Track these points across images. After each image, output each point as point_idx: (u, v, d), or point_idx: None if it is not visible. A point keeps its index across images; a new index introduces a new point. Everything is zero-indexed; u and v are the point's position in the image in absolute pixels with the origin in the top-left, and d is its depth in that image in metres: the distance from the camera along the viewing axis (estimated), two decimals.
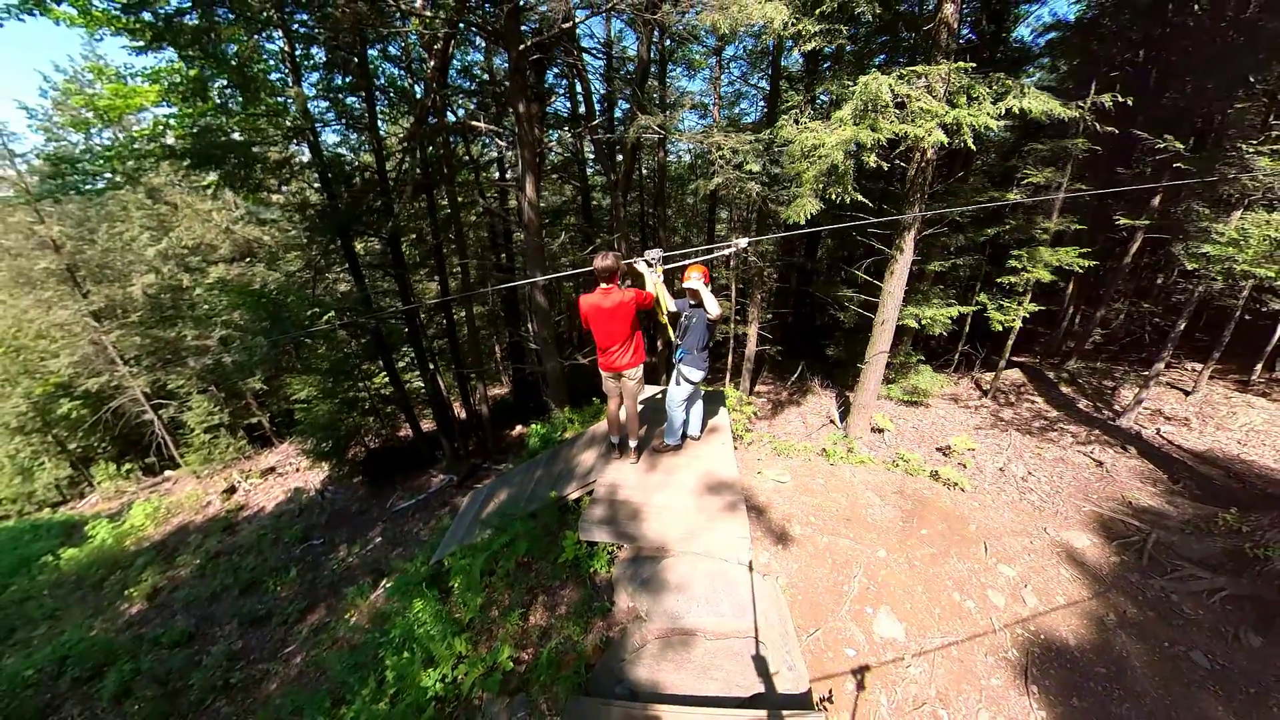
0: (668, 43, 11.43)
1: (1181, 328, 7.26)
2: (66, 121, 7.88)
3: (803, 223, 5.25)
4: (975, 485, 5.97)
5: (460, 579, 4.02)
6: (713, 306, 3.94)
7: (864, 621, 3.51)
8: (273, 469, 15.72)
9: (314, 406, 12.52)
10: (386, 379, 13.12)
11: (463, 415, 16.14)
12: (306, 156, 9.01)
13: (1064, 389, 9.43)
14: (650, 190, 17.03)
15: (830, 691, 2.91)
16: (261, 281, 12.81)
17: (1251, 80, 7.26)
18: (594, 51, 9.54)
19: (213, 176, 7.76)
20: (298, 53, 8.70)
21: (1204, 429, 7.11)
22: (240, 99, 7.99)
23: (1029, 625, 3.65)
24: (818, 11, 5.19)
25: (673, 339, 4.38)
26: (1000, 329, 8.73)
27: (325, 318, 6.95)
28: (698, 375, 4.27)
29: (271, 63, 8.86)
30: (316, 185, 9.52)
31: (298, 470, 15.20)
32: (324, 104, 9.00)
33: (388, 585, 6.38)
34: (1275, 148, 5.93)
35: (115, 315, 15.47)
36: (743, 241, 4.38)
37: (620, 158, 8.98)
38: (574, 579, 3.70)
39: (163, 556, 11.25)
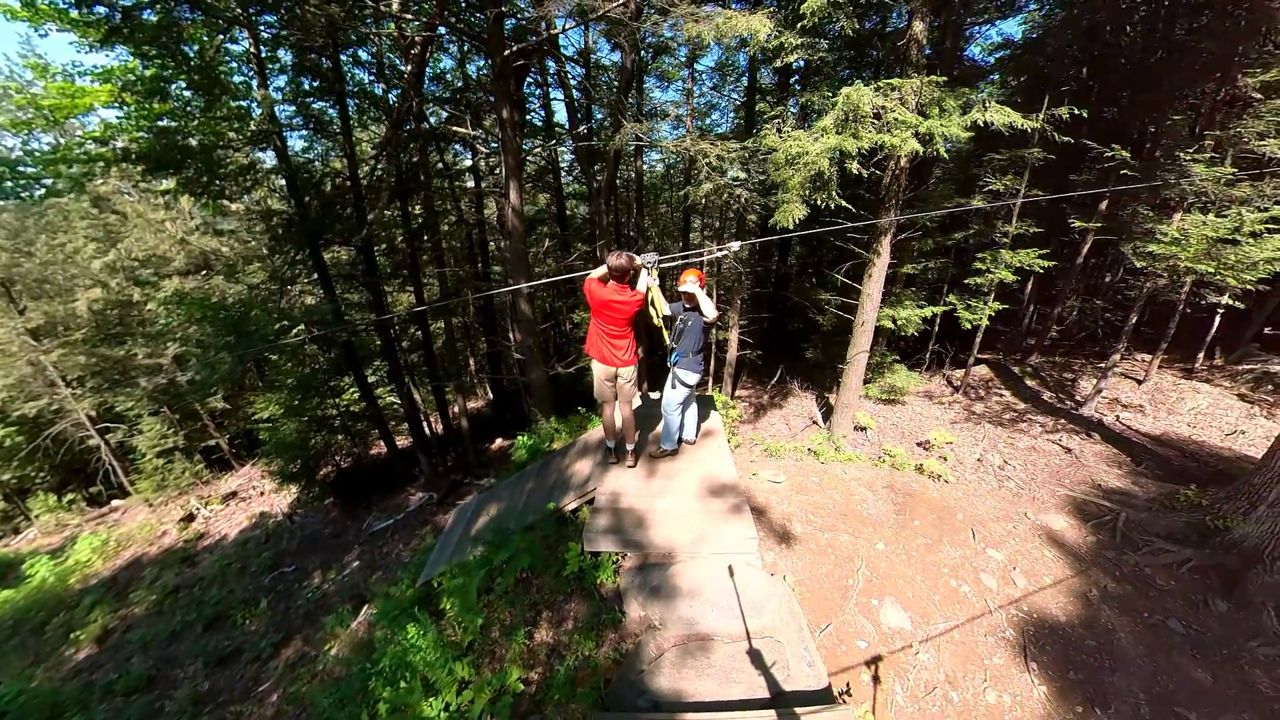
0: (644, 55, 11.65)
1: (1134, 321, 7.79)
2: (5, 122, 7.35)
3: (791, 227, 5.41)
4: (957, 476, 6.22)
5: (455, 599, 3.88)
6: (709, 309, 4.00)
7: (871, 613, 3.59)
8: (234, 494, 14.89)
9: (279, 426, 11.95)
10: (358, 395, 12.67)
11: (440, 430, 15.72)
12: (272, 162, 8.69)
13: (1028, 382, 9.94)
14: (625, 200, 17.18)
15: (848, 685, 2.96)
16: (221, 294, 12.22)
17: (1180, 95, 7.93)
18: (574, 59, 9.60)
19: (170, 183, 7.37)
20: (264, 55, 8.42)
21: (1157, 414, 7.62)
22: (201, 101, 7.66)
23: (1021, 605, 3.81)
24: (799, 25, 5.39)
25: (668, 343, 4.41)
26: (969, 327, 9.17)
27: (293, 331, 6.65)
28: (694, 378, 4.31)
29: (236, 65, 8.56)
30: (283, 192, 9.18)
31: (262, 494, 14.45)
32: (291, 109, 8.72)
33: (372, 612, 6.11)
34: (1210, 155, 6.48)
35: (56, 333, 14.42)
36: (735, 245, 4.46)
37: (600, 166, 9.03)
38: (579, 592, 3.62)
39: (113, 594, 10.44)
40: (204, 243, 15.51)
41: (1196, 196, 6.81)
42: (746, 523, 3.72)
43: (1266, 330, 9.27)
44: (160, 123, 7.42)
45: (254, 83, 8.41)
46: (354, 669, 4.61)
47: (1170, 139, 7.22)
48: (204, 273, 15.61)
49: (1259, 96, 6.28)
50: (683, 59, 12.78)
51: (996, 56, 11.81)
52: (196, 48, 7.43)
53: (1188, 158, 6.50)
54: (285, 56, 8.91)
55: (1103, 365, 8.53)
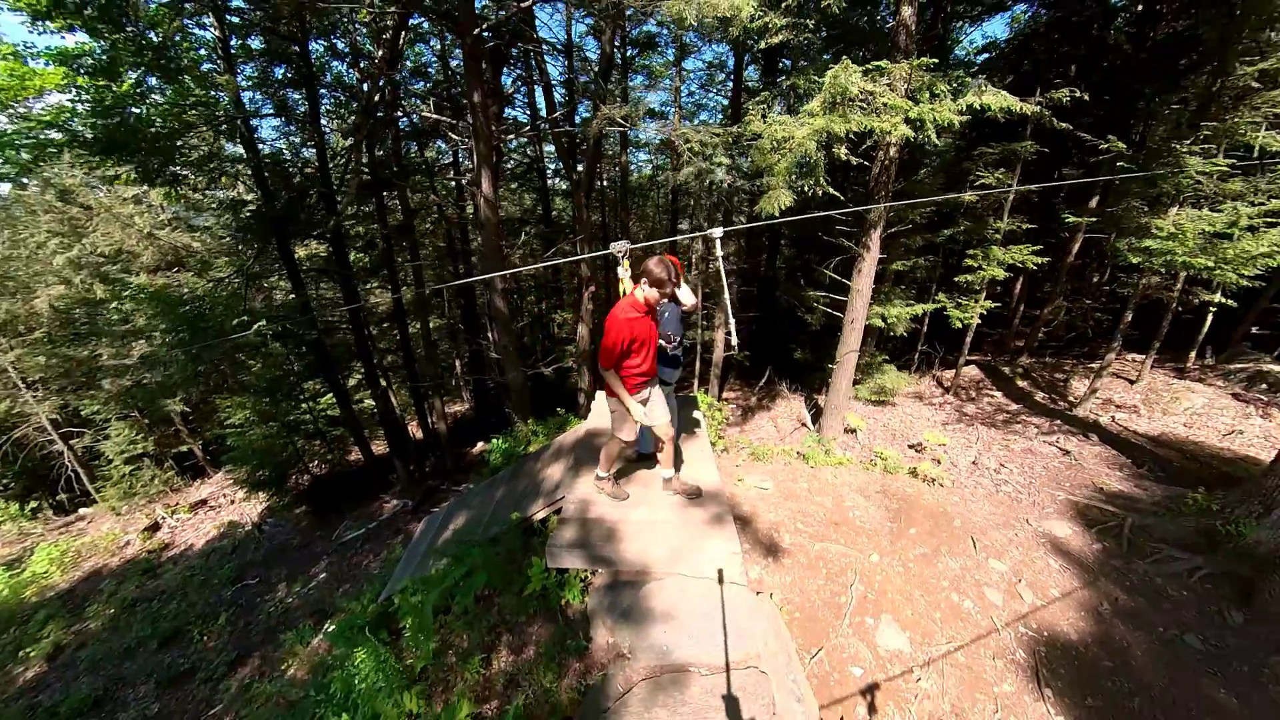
0: (629, 51, 11.37)
1: (1128, 318, 7.61)
2: None
3: (776, 214, 5.12)
4: (953, 480, 5.94)
5: (411, 619, 3.49)
6: (687, 296, 3.65)
7: (866, 634, 3.26)
8: (204, 502, 14.28)
9: (248, 431, 11.42)
10: (333, 399, 12.17)
11: (419, 435, 15.23)
12: (240, 151, 8.26)
13: (1020, 383, 9.74)
14: (611, 199, 16.87)
15: (842, 719, 2.63)
16: (189, 290, 11.67)
17: (1175, 86, 7.81)
18: (555, 46, 9.27)
19: (124, 170, 6.93)
20: (232, 41, 8.01)
21: (1152, 414, 7.43)
22: (162, 86, 7.24)
23: (1030, 622, 3.51)
24: (783, 5, 5.12)
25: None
26: (959, 326, 8.95)
27: (255, 327, 6.23)
28: (673, 374, 3.97)
29: (202, 51, 8.14)
30: (250, 182, 8.75)
31: (233, 502, 13.85)
32: (260, 96, 8.30)
33: (330, 629, 5.68)
34: (1205, 147, 6.30)
35: (16, 332, 13.75)
36: (718, 231, 4.14)
37: (583, 158, 8.70)
38: (543, 613, 3.25)
39: (69, 608, 9.84)
40: (175, 238, 14.91)
41: (1192, 190, 6.64)
42: (730, 535, 3.37)
43: (1255, 329, 9.16)
44: (116, 107, 6.99)
45: (220, 69, 8.00)
46: (306, 694, 4.20)
47: (1166, 130, 7.04)
48: (175, 269, 15.00)
49: (1257, 85, 6.12)
50: (671, 58, 12.57)
51: (983, 59, 11.74)
52: (155, 29, 7.04)
53: (1182, 149, 6.32)
54: (255, 43, 8.53)
55: (1095, 365, 8.34)
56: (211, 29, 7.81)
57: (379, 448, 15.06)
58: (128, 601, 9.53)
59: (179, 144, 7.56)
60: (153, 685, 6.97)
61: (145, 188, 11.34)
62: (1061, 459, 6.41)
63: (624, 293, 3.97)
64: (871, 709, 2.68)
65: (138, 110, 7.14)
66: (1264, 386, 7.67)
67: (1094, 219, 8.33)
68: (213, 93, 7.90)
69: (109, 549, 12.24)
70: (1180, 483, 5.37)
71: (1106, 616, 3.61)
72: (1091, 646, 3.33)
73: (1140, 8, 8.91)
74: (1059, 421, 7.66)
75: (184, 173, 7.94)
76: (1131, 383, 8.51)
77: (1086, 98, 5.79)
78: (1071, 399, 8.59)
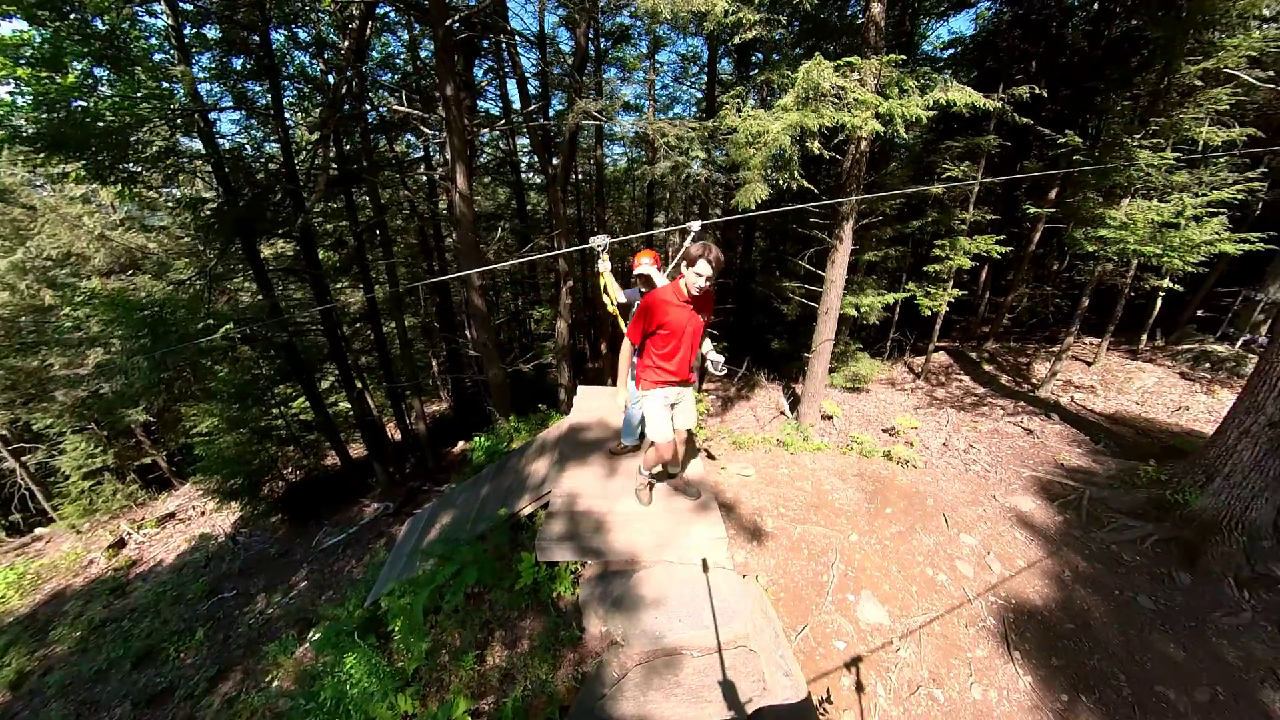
0: (603, 43, 11.29)
1: (1085, 304, 8.00)
2: None
3: (753, 207, 5.21)
4: (925, 461, 6.18)
5: (400, 621, 3.47)
6: None
7: (848, 610, 3.41)
8: (172, 515, 13.76)
9: (217, 439, 11.03)
10: (306, 402, 11.84)
11: (398, 436, 14.96)
12: (199, 146, 7.93)
13: (986, 368, 10.14)
14: (587, 193, 16.79)
15: (828, 691, 2.75)
16: (147, 294, 11.18)
17: (1127, 83, 8.21)
18: (528, 38, 9.14)
19: (72, 167, 6.59)
20: (187, 30, 7.67)
21: (1108, 394, 7.85)
22: (112, 77, 6.90)
23: (999, 591, 3.72)
24: (756, 1, 5.19)
25: (624, 331, 4.11)
26: (929, 314, 9.26)
27: (222, 330, 6.02)
28: None
29: (154, 41, 7.76)
30: (210, 178, 8.41)
31: (204, 514, 13.39)
32: (219, 88, 7.97)
33: (314, 637, 5.59)
34: (1154, 142, 6.66)
35: None
36: (695, 224, 4.21)
37: (558, 152, 8.63)
38: (535, 607, 3.29)
39: (32, 633, 9.40)
40: (129, 239, 14.21)
41: (1142, 182, 7.01)
42: (715, 521, 3.47)
43: (1200, 312, 9.74)
44: (62, 100, 6.62)
45: (175, 59, 7.65)
46: (294, 704, 4.14)
47: (1119, 125, 7.42)
48: (131, 272, 14.31)
49: (1201, 84, 6.49)
50: (644, 50, 12.54)
51: (949, 54, 12.10)
52: (102, 16, 6.69)
53: (1134, 143, 6.66)
54: (212, 32, 8.17)
55: (1056, 349, 8.75)
56: (164, 16, 7.45)
57: (357, 451, 14.75)
58: (95, 622, 9.15)
59: (132, 139, 7.21)
60: (129, 707, 6.73)
61: (95, 186, 10.77)
62: (1025, 438, 6.73)
63: (603, 287, 4.01)
64: (856, 680, 2.82)
65: (85, 103, 6.79)
66: (1208, 365, 8.18)
67: (1053, 210, 8.71)
68: (167, 85, 7.56)
69: (71, 569, 11.70)
70: (1133, 457, 5.71)
71: (1068, 583, 3.85)
72: (1055, 611, 3.55)
73: (1095, 7, 9.31)
74: (1023, 403, 8.02)
75: (138, 170, 7.58)
76: (1089, 364, 8.96)
77: (1045, 94, 6.05)
78: (1034, 381, 9.00)
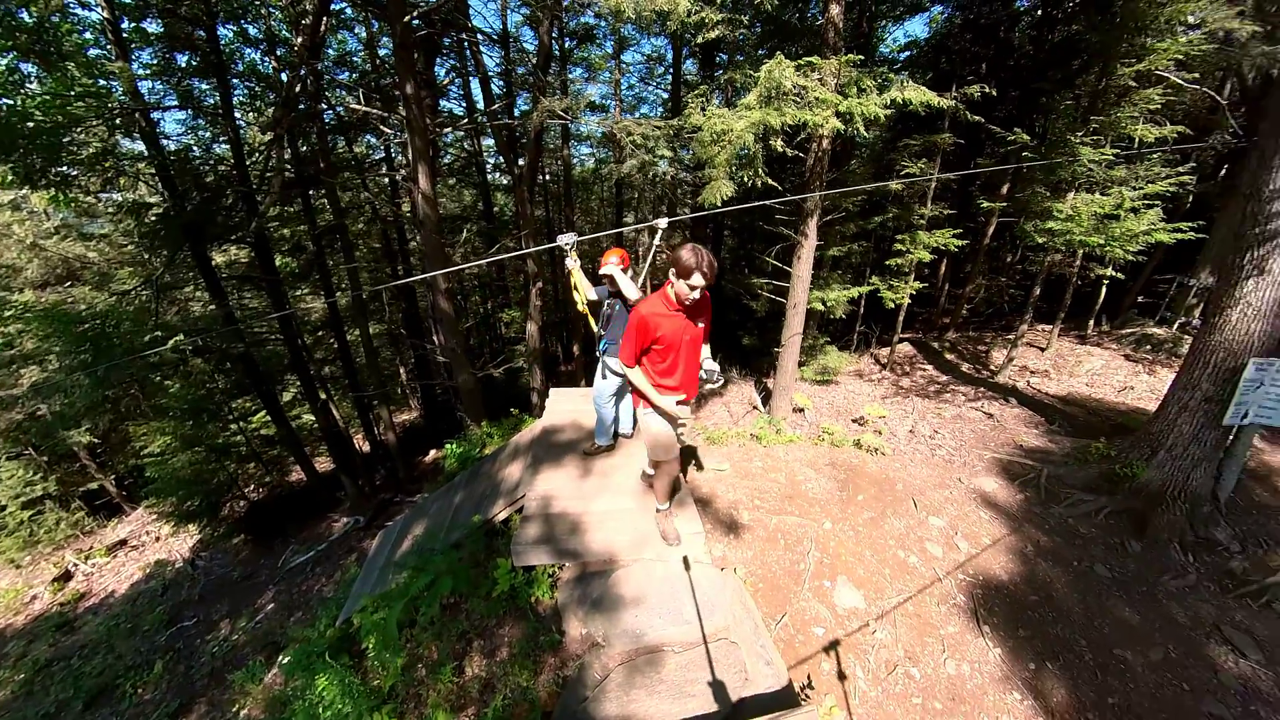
0: (568, 42, 11.23)
1: (1038, 293, 8.40)
2: None
3: (719, 204, 5.27)
4: (893, 448, 6.35)
5: (374, 638, 3.35)
6: (631, 291, 3.70)
7: (825, 596, 3.47)
8: (124, 542, 12.93)
9: (170, 459, 10.43)
10: (267, 416, 11.33)
11: (367, 447, 14.50)
12: (141, 148, 7.49)
13: (948, 356, 10.53)
14: (555, 194, 16.66)
15: (809, 676, 2.79)
16: (87, 307, 10.49)
17: (1069, 85, 8.67)
18: (490, 36, 9.01)
19: None
20: (125, 24, 7.24)
21: (1060, 377, 8.25)
22: (42, 74, 6.46)
23: (967, 569, 3.85)
24: (719, 1, 5.24)
25: (595, 330, 4.09)
26: (892, 306, 9.56)
27: (171, 342, 5.69)
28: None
29: (89, 35, 7.30)
30: (154, 182, 7.96)
31: (158, 539, 12.64)
32: (162, 86, 7.56)
33: (283, 661, 5.34)
34: (1094, 139, 7.04)
35: None
36: (662, 222, 4.21)
37: (524, 152, 8.53)
38: (513, 613, 3.22)
39: None
40: (66, 248, 13.31)
41: (1085, 177, 7.40)
42: (691, 516, 3.48)
43: (1140, 298, 10.37)
44: None
45: (112, 55, 7.21)
46: None
47: (1063, 123, 7.81)
48: (69, 283, 13.41)
49: (1135, 85, 6.90)
50: (609, 50, 12.53)
51: (905, 56, 12.54)
52: (28, 8, 6.24)
53: (1075, 140, 7.03)
54: (152, 27, 7.74)
55: (1011, 336, 9.16)
56: (99, 9, 7.01)
57: (323, 464, 14.21)
58: (41, 663, 8.53)
59: (65, 140, 6.77)
60: None
61: (25, 191, 10.07)
62: (986, 422, 7.01)
63: (574, 287, 3.97)
64: (836, 663, 2.87)
65: (11, 101, 6.34)
66: (1149, 347, 8.70)
67: (1005, 204, 9.11)
68: (104, 82, 7.12)
69: (12, 607, 10.88)
70: (1085, 435, 6.02)
71: (1030, 557, 4.02)
72: (1020, 585, 3.70)
73: (1040, 12, 9.80)
74: (983, 389, 8.36)
75: (73, 173, 7.13)
76: (1042, 350, 9.41)
77: (996, 94, 6.32)
78: (992, 368, 9.39)
